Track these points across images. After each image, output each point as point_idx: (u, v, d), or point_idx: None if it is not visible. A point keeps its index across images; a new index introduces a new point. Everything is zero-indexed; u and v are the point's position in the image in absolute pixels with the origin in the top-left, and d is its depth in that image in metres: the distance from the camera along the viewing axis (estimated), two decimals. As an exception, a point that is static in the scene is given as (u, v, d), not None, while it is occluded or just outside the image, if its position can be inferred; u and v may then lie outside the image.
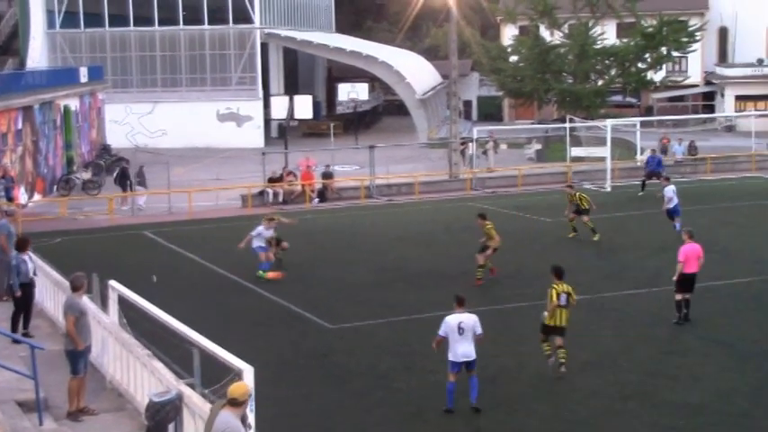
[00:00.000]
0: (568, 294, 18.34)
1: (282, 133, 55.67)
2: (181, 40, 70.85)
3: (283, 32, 73.32)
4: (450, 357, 16.58)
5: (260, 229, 27.62)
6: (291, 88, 72.42)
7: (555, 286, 18.31)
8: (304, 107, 51.32)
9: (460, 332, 16.45)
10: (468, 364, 16.56)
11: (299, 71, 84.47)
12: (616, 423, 16.18)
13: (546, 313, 18.37)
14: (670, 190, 32.64)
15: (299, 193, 43.43)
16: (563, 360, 18.23)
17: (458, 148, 49.33)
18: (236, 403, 11.22)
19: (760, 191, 42.54)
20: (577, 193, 32.45)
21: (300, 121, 60.42)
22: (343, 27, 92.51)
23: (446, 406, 16.64)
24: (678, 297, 21.70)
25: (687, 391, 17.45)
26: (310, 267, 29.09)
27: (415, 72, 76.01)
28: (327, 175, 45.42)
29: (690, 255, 21.63)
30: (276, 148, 55.20)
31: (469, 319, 16.57)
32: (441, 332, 16.66)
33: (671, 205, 32.41)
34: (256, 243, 27.59)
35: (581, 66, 65.47)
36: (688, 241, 21.97)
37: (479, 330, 16.59)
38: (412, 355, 19.91)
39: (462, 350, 16.47)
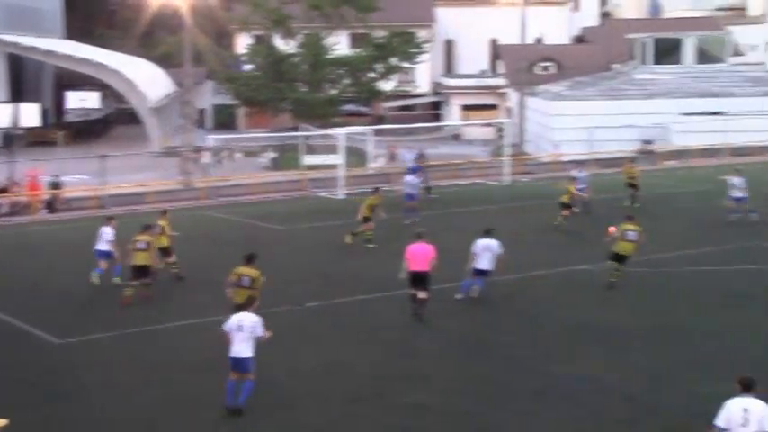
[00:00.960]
0: (252, 278, 20.42)
1: (8, 142, 53.29)
2: None
3: (7, 38, 70.17)
4: (230, 355, 16.91)
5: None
6: (17, 96, 69.38)
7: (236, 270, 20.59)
8: (30, 115, 49.42)
9: (239, 330, 16.85)
10: (241, 364, 16.81)
11: (25, 78, 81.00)
12: (350, 427, 16.48)
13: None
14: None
15: (24, 204, 41.71)
16: None
17: (192, 156, 48.81)
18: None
19: (484, 197, 44.40)
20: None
21: (27, 129, 58.05)
22: (74, 33, 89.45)
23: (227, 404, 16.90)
24: (411, 292, 22.72)
25: (417, 391, 17.98)
26: (37, 280, 28.02)
27: (148, 80, 74.64)
28: (56, 186, 43.86)
29: (416, 253, 22.54)
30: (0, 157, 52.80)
31: (250, 320, 16.90)
32: (226, 327, 17.02)
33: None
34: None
35: (315, 75, 66.28)
36: (417, 241, 22.89)
37: (259, 333, 16.89)
38: (147, 367, 19.53)
39: (237, 349, 16.81)
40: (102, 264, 26.95)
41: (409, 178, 38.49)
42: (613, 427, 16.16)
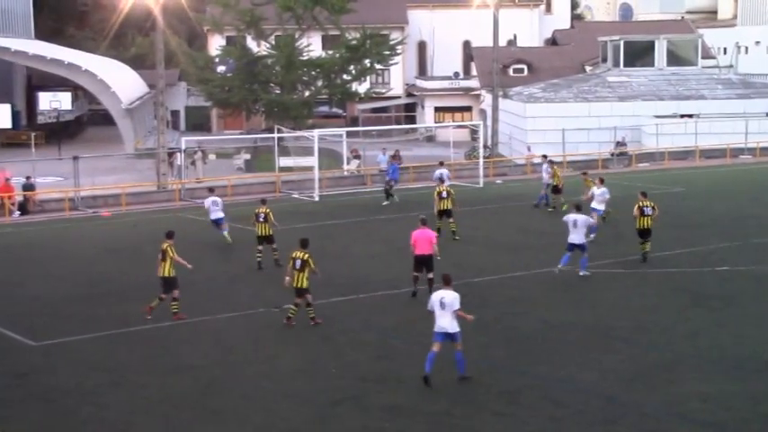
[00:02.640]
0: (303, 261, 21.85)
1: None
2: None
3: (-24, 38, 69.74)
4: (435, 329, 18.36)
5: None
6: (-13, 97, 68.94)
7: (295, 253, 22.03)
8: (1, 116, 49.03)
9: (442, 307, 18.22)
10: (451, 336, 18.21)
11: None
12: (327, 429, 16.46)
13: (288, 278, 22.03)
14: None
15: (-4, 206, 41.47)
16: (312, 316, 22.12)
17: (165, 158, 48.66)
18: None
19: (458, 199, 44.36)
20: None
21: (-2, 130, 57.69)
22: (44, 34, 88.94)
23: (424, 372, 18.19)
24: (414, 273, 24.64)
25: (394, 393, 17.99)
26: (11, 283, 27.85)
27: (120, 81, 74.33)
28: (28, 187, 43.58)
29: (420, 238, 24.51)
30: (-28, 159, 52.40)
31: (450, 296, 18.30)
32: (428, 307, 18.60)
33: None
34: None
35: (288, 77, 66.27)
36: (420, 227, 24.73)
37: (457, 306, 18.20)
38: (120, 370, 19.45)
39: (442, 323, 18.19)
40: (225, 225, 32.31)
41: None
42: (591, 428, 16.21)
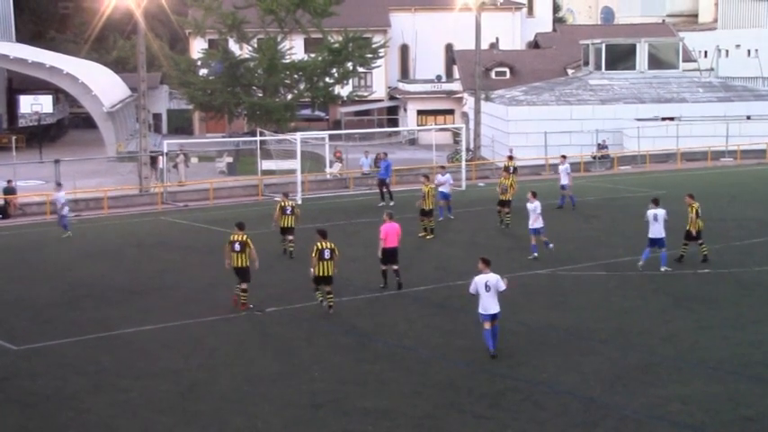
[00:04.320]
0: (332, 250, 23.39)
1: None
2: None
3: (-43, 41, 69.41)
4: (480, 310, 19.79)
5: None
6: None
7: (317, 244, 23.25)
8: (-18, 120, 48.83)
9: (487, 289, 19.59)
10: (494, 316, 19.69)
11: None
12: None
13: (312, 269, 23.26)
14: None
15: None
16: (331, 303, 23.44)
17: (148, 161, 48.54)
18: None
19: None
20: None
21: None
22: (25, 37, 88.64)
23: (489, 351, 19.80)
24: (383, 267, 25.63)
25: (375, 396, 18.00)
26: (-8, 287, 27.74)
27: (102, 84, 74.10)
28: (10, 191, 43.38)
29: (389, 232, 25.39)
30: (-48, 162, 52.15)
31: (494, 278, 19.66)
32: (471, 290, 19.88)
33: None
34: None
35: (270, 80, 66.21)
36: (388, 221, 25.60)
37: (502, 287, 19.69)
38: (101, 374, 19.40)
39: (487, 304, 19.65)
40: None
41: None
42: (572, 430, 16.25)
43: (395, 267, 25.73)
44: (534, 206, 29.73)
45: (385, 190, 42.80)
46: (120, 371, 19.53)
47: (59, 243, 35.30)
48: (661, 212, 27.44)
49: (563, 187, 39.83)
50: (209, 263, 29.66)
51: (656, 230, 27.37)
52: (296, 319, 23.66)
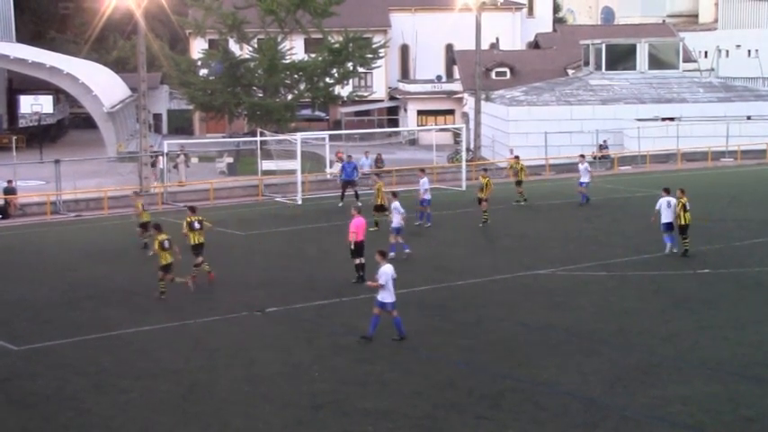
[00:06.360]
0: (200, 221, 27.32)
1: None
2: None
3: (-42, 41, 69.41)
4: (387, 300, 21.06)
5: None
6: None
7: (187, 218, 27.19)
8: (-18, 120, 48.82)
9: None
10: (386, 306, 21.08)
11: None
12: (309, 432, 16.49)
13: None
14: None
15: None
16: (208, 269, 26.76)
17: (148, 161, 48.54)
18: None
19: (441, 202, 44.44)
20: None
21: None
22: (25, 37, 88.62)
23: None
24: (356, 261, 26.64)
25: (376, 396, 17.99)
26: (-8, 287, 27.74)
27: (102, 84, 74.09)
28: (10, 191, 43.38)
29: (359, 226, 26.47)
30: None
31: (390, 270, 21.00)
32: (382, 281, 20.89)
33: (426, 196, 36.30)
34: None
35: (271, 80, 66.19)
36: (356, 216, 26.66)
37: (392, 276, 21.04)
38: (101, 374, 19.40)
39: (381, 296, 21.03)
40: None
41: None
42: (572, 431, 16.25)
43: (362, 261, 26.65)
44: (395, 205, 30.42)
45: (351, 191, 42.54)
46: (120, 371, 19.53)
47: (59, 243, 35.29)
48: (673, 200, 29.62)
49: (582, 184, 40.32)
50: (208, 263, 29.53)
51: (670, 215, 29.63)
52: (296, 319, 23.67)
